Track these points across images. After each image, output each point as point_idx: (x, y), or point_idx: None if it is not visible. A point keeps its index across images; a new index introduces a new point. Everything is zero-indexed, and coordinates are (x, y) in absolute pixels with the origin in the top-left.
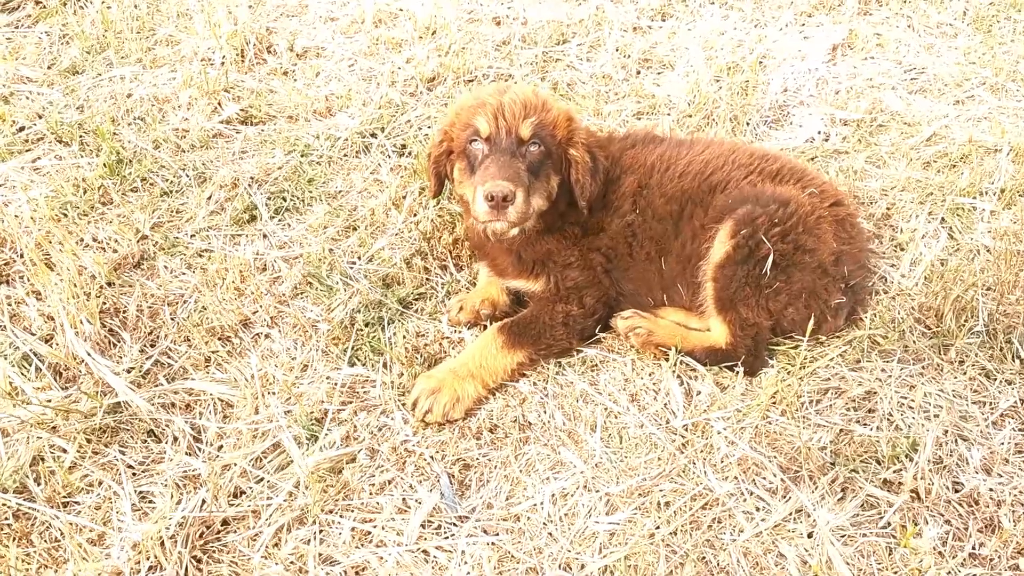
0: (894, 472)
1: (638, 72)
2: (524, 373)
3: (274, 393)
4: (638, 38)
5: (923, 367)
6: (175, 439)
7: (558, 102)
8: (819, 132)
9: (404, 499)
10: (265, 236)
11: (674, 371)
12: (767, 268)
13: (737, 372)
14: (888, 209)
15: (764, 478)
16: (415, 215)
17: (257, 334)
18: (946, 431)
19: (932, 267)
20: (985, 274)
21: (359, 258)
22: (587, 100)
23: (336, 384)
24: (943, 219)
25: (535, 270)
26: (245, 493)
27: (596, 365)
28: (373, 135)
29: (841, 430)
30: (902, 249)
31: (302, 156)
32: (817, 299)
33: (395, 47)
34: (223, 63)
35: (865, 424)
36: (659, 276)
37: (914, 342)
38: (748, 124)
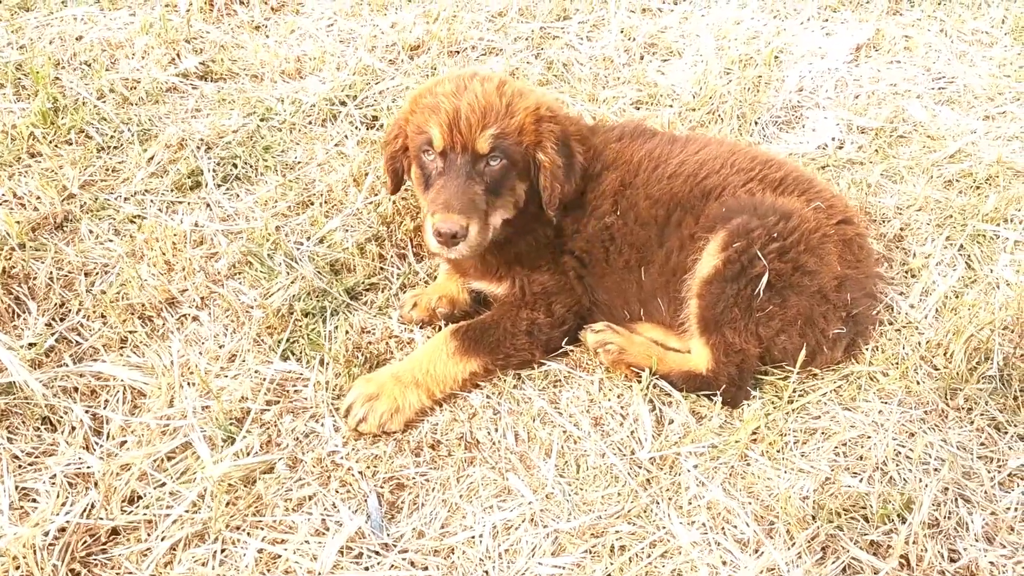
0: (883, 533)
1: (641, 57)
2: (477, 384)
3: (193, 384)
4: (646, 20)
5: (925, 412)
6: (72, 429)
7: (527, 97)
8: (833, 138)
9: (324, 519)
10: (208, 206)
11: (645, 395)
12: (760, 288)
13: (716, 401)
14: (902, 230)
15: (735, 527)
16: (376, 195)
17: (183, 315)
18: (946, 489)
19: (945, 299)
20: (1004, 312)
21: (308, 238)
22: (583, 84)
23: (264, 380)
24: (962, 246)
25: (500, 272)
26: (142, 499)
27: (559, 381)
28: (343, 103)
29: (827, 479)
30: (913, 276)
31: (261, 120)
32: (814, 327)
33: (380, 8)
34: (188, 10)
35: (855, 474)
36: (638, 287)
37: (918, 383)
38: (756, 123)
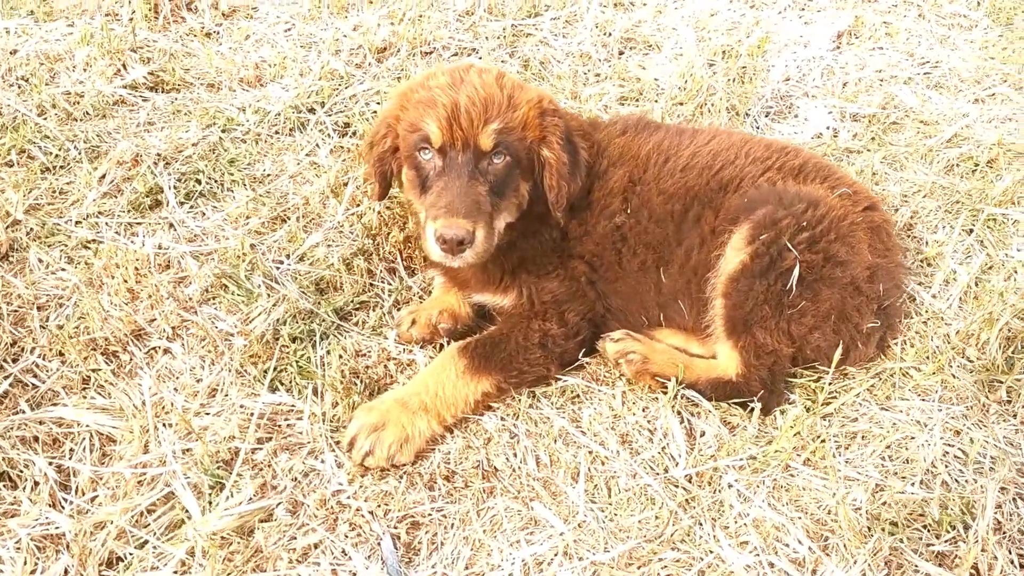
0: (948, 543)
1: (621, 53)
2: (490, 406)
3: (170, 426)
4: (620, 15)
5: (967, 408)
6: (35, 485)
7: (528, 91)
8: (827, 127)
9: (334, 569)
10: (172, 226)
11: (673, 407)
12: (792, 282)
13: (752, 408)
14: (911, 218)
15: (787, 545)
16: (358, 206)
17: (153, 349)
18: (1003, 489)
19: (968, 288)
20: None
21: (288, 256)
22: (563, 81)
23: (252, 415)
24: (971, 231)
25: (505, 282)
26: (123, 561)
27: (578, 397)
28: (311, 110)
29: (877, 486)
30: (929, 264)
31: (223, 131)
32: (847, 322)
33: (340, 11)
34: (132, 19)
35: (904, 478)
36: (656, 290)
37: (954, 376)
38: (747, 115)
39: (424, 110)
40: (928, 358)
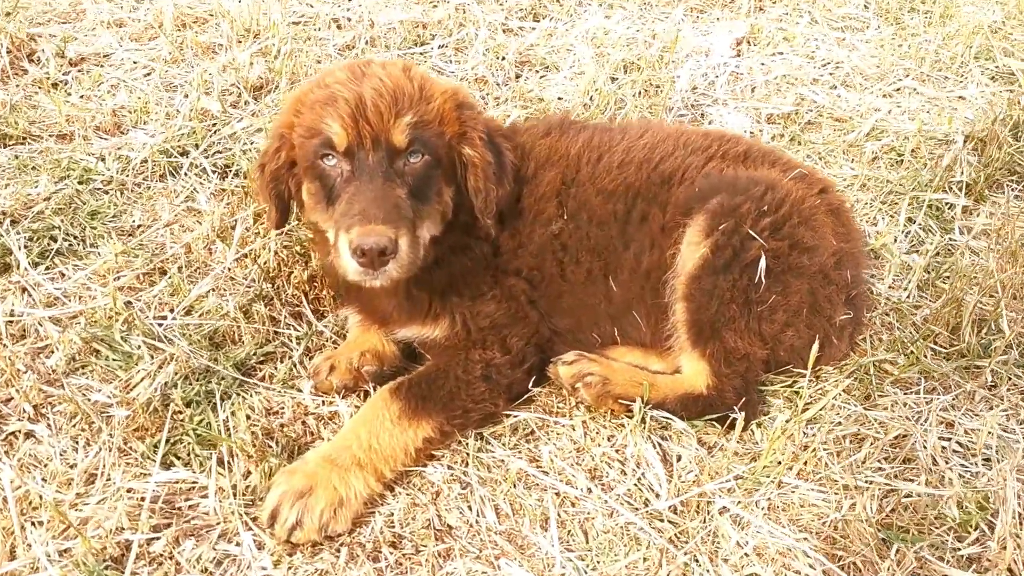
0: (974, 544)
1: (517, 76)
2: (433, 454)
3: (42, 523)
4: (511, 39)
5: (953, 397)
6: None
7: (439, 82)
8: (745, 130)
9: None
10: (25, 290)
11: (642, 431)
12: (760, 274)
13: (730, 423)
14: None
15: (799, 573)
16: (250, 245)
17: (12, 434)
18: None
19: (924, 275)
20: (992, 279)
21: (171, 311)
22: None
23: (143, 499)
24: (910, 219)
25: (434, 309)
26: None
27: (533, 433)
28: (183, 153)
29: (884, 490)
30: (876, 256)
31: (80, 183)
32: (819, 315)
33: (206, 51)
34: None
35: (909, 479)
36: (607, 301)
37: (933, 366)
38: None
39: (323, 110)
40: (899, 350)
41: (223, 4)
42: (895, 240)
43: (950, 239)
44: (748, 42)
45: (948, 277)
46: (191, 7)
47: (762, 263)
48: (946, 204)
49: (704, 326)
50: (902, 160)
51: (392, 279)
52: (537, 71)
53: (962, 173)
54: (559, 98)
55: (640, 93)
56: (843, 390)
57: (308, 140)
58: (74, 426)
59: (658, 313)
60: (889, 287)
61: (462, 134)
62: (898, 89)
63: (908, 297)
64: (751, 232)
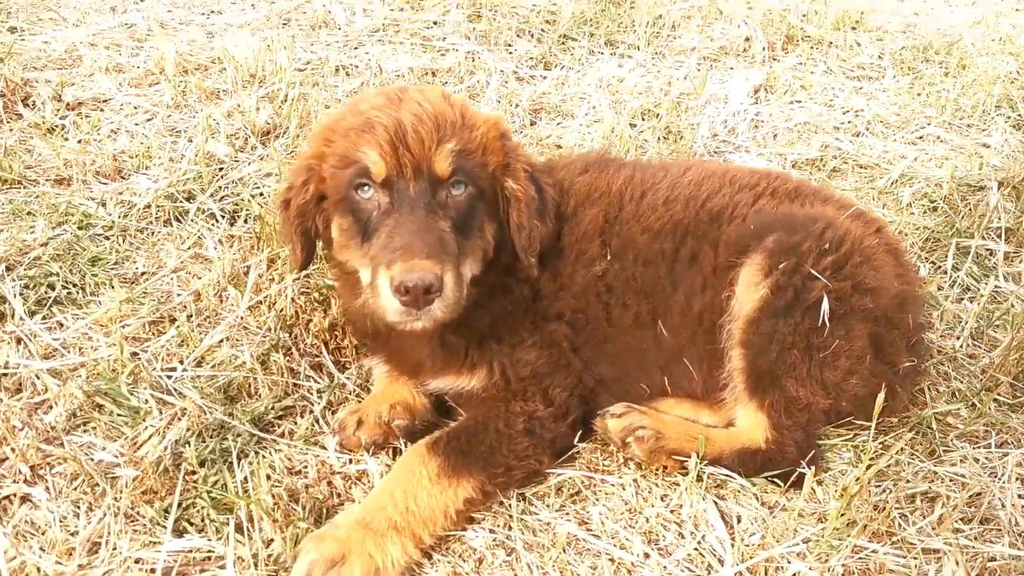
0: None
1: (532, 123)
2: (472, 516)
3: None
4: (523, 87)
5: None
6: None
7: (480, 112)
8: None
9: None
10: (20, 340)
11: (700, 490)
12: (823, 317)
13: (793, 479)
14: None
15: None
16: (264, 293)
17: (7, 498)
18: None
19: (977, 322)
20: None
21: (181, 362)
22: None
23: (154, 570)
24: (955, 266)
25: (471, 357)
26: None
27: (579, 493)
28: (189, 198)
29: (968, 553)
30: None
31: (80, 228)
32: (884, 362)
33: (210, 96)
34: None
35: (991, 540)
36: (656, 348)
37: (999, 418)
38: None
39: (358, 137)
40: (962, 401)
41: (228, 49)
42: (939, 288)
43: (996, 285)
44: (765, 90)
45: (999, 325)
46: (192, 54)
47: (824, 304)
48: (986, 250)
49: (763, 374)
50: (935, 206)
51: (436, 320)
52: (553, 118)
53: (999, 219)
54: (578, 145)
55: (660, 139)
56: (906, 444)
57: (341, 171)
58: (75, 489)
59: (711, 360)
60: (940, 336)
61: (506, 165)
62: (921, 137)
63: (962, 346)
64: (813, 271)
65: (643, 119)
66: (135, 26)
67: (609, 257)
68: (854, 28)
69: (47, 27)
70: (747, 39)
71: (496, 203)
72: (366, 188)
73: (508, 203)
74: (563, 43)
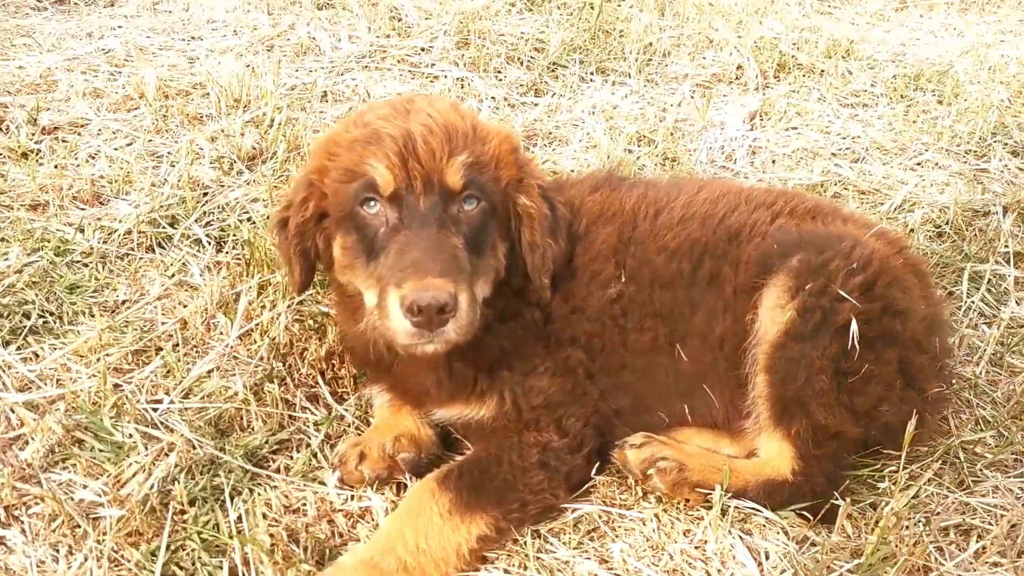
0: None
1: (527, 148)
2: (485, 556)
3: None
4: (514, 113)
5: None
6: None
7: (491, 124)
8: None
9: None
10: None
11: (725, 524)
12: (852, 340)
13: (833, 508)
14: None
15: None
16: (256, 320)
17: None
18: None
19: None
20: None
21: (168, 393)
22: None
23: None
24: (968, 292)
25: (479, 387)
26: None
27: (598, 529)
28: (173, 223)
29: None
30: None
31: (57, 255)
32: (913, 388)
33: (192, 121)
34: None
35: None
36: (675, 374)
37: None
38: None
39: (364, 149)
40: (988, 429)
41: (211, 73)
42: (952, 313)
43: (1013, 312)
44: (761, 116)
45: (1016, 350)
46: (173, 79)
47: (854, 327)
48: (995, 275)
49: (790, 401)
50: (940, 231)
51: (449, 343)
52: (547, 144)
53: (1008, 244)
54: (574, 171)
55: (657, 165)
56: (934, 474)
57: (345, 185)
58: (54, 531)
59: (732, 386)
60: (960, 362)
61: (519, 181)
62: (920, 163)
63: (982, 372)
64: (842, 292)
65: (639, 145)
66: (113, 51)
67: (624, 278)
68: (844, 57)
69: (20, 52)
70: (739, 67)
71: (508, 220)
72: (372, 203)
73: (520, 220)
74: (553, 70)
